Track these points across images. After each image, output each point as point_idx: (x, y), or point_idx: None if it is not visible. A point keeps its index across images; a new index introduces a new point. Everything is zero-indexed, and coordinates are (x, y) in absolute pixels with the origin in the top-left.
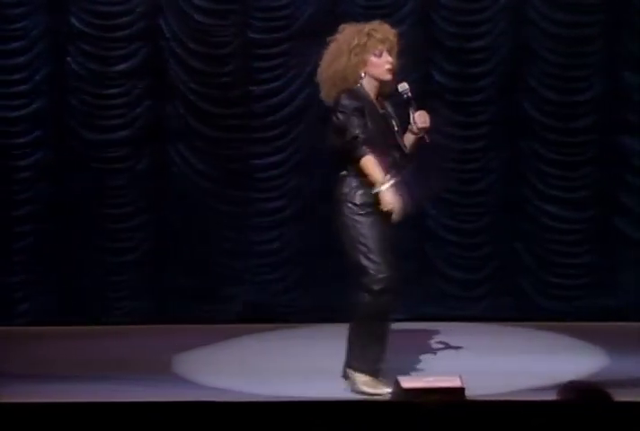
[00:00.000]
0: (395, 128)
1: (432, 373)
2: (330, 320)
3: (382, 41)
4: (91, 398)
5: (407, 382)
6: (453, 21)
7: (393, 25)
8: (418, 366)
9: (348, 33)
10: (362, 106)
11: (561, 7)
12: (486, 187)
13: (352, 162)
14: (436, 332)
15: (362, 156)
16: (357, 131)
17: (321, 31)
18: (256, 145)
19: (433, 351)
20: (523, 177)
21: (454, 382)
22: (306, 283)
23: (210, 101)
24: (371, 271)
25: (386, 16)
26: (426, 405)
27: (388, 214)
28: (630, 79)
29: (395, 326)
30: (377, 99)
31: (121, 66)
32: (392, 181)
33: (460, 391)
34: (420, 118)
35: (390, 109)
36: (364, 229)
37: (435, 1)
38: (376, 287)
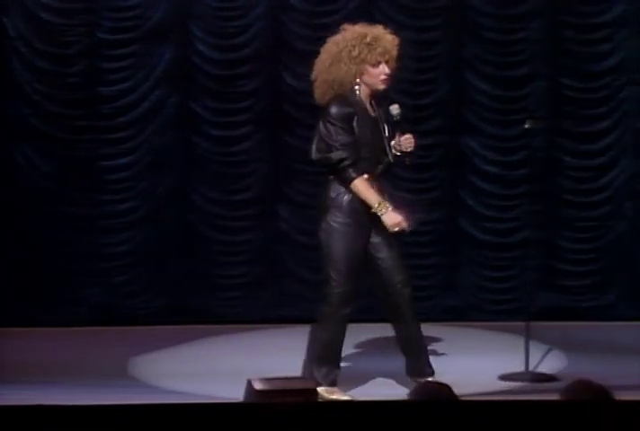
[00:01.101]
0: (386, 134)
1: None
2: (182, 322)
3: (382, 54)
4: None
5: (260, 384)
6: (304, 24)
7: (245, 27)
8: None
9: (349, 39)
10: (352, 112)
11: (405, 11)
12: None
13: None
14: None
15: (352, 180)
16: (344, 154)
17: (171, 33)
18: (105, 147)
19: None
20: None
21: (307, 384)
22: (158, 285)
23: (57, 102)
24: (333, 283)
25: (238, 18)
26: (279, 406)
27: (370, 224)
28: (471, 81)
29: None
30: (370, 103)
31: None
32: (389, 205)
33: (313, 392)
34: (406, 142)
35: (382, 114)
36: (340, 239)
37: (286, 3)
38: (333, 300)
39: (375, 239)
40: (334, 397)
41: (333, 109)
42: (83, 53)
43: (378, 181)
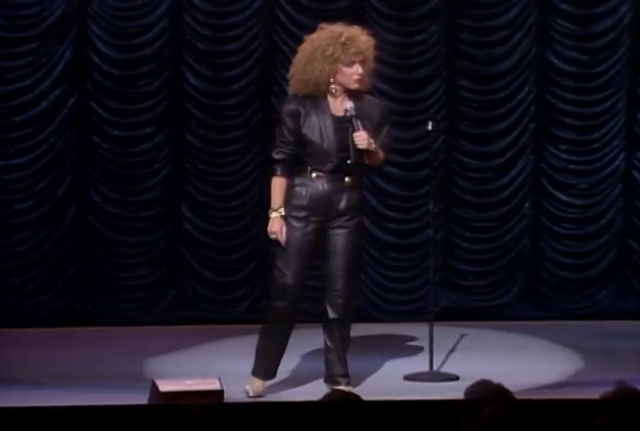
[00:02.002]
0: (352, 132)
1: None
2: (82, 323)
3: (355, 54)
4: None
5: (165, 386)
6: (206, 24)
7: (146, 27)
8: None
9: (324, 38)
10: (298, 110)
11: (305, 12)
12: (241, 190)
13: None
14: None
15: (273, 176)
16: (275, 151)
17: (71, 32)
18: (1, 146)
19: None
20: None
21: (213, 385)
22: (57, 286)
23: None
24: (276, 277)
25: (139, 17)
26: (184, 408)
27: (314, 220)
28: (372, 82)
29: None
30: (343, 102)
31: None
32: (282, 211)
33: (219, 393)
34: (358, 139)
35: (353, 112)
36: (290, 231)
37: (188, 3)
38: (274, 294)
39: (330, 242)
40: (248, 388)
41: (285, 105)
42: None
43: (331, 179)
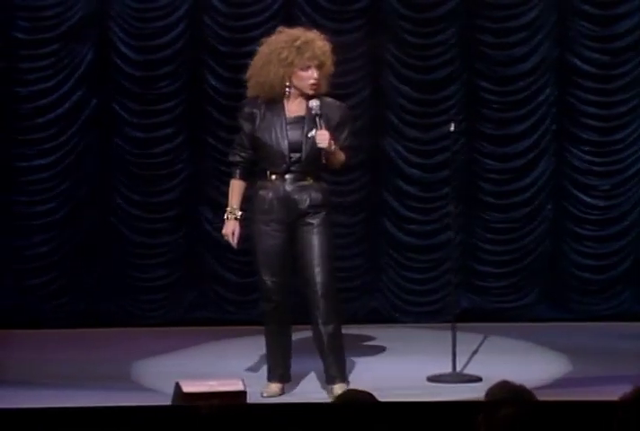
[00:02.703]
0: (307, 134)
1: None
2: (102, 325)
3: (309, 58)
4: None
5: (189, 387)
6: (225, 25)
7: (166, 29)
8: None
9: (280, 42)
10: (253, 113)
11: (326, 13)
12: None
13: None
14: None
15: (231, 179)
16: (231, 154)
17: (92, 33)
18: (22, 147)
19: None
20: None
21: (236, 386)
22: (77, 287)
23: None
24: (259, 282)
25: (159, 19)
26: (206, 409)
27: (280, 222)
28: (392, 83)
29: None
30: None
31: None
32: (237, 214)
33: (242, 394)
34: (319, 138)
35: (318, 111)
36: (256, 237)
37: (208, 4)
38: (261, 297)
39: (299, 242)
40: (265, 393)
41: (242, 108)
42: None
43: (290, 180)
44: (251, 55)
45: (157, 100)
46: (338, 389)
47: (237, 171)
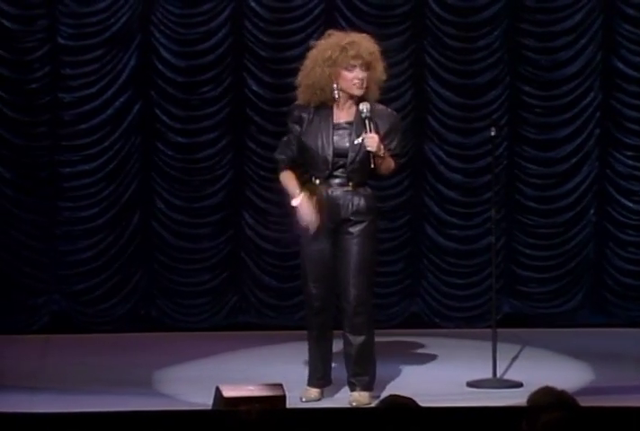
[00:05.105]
0: (355, 140)
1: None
2: (144, 329)
3: (354, 57)
4: None
5: (229, 391)
6: (267, 31)
7: (208, 34)
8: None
9: (327, 44)
10: (300, 117)
11: (368, 18)
12: None
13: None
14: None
15: (280, 172)
16: (281, 156)
17: (135, 39)
18: (66, 153)
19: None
20: None
21: (276, 391)
22: (120, 292)
23: (17, 108)
24: (302, 286)
25: (202, 24)
26: (246, 414)
27: (323, 227)
28: (434, 88)
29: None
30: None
31: None
32: (302, 197)
33: (282, 399)
34: (369, 141)
35: (368, 114)
36: (302, 241)
37: (250, 10)
38: (306, 302)
39: (339, 249)
40: (304, 398)
41: (290, 112)
42: (43, 59)
43: (334, 185)
44: (292, 60)
45: (199, 105)
46: (357, 396)
47: (283, 165)
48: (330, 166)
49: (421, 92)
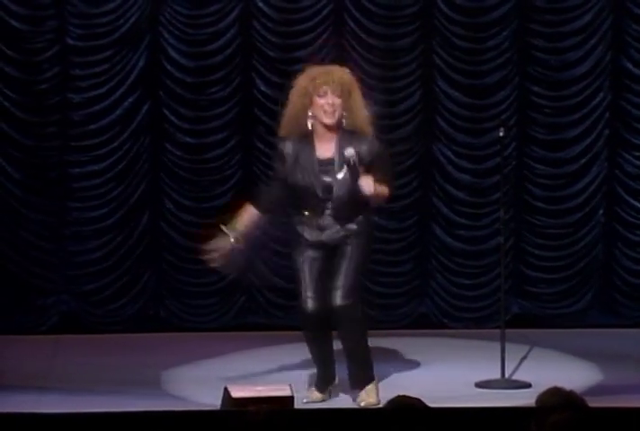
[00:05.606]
0: (337, 173)
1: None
2: (153, 329)
3: (324, 83)
4: None
5: (237, 392)
6: (275, 31)
7: (217, 35)
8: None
9: (302, 77)
10: (283, 154)
11: (376, 18)
12: None
13: None
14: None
15: (252, 205)
16: (264, 189)
17: (144, 40)
18: (75, 154)
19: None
20: None
21: (284, 391)
22: (129, 292)
23: (26, 109)
24: (300, 298)
25: (211, 24)
26: (253, 414)
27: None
28: (443, 88)
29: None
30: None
31: None
32: (229, 234)
33: (290, 400)
34: (364, 187)
35: (355, 159)
36: (295, 256)
37: (258, 10)
38: (301, 311)
39: (334, 261)
40: (305, 399)
41: (276, 147)
42: (52, 60)
43: (323, 217)
44: (301, 60)
45: (208, 105)
46: (364, 395)
47: (261, 203)
48: (318, 201)
49: (429, 93)
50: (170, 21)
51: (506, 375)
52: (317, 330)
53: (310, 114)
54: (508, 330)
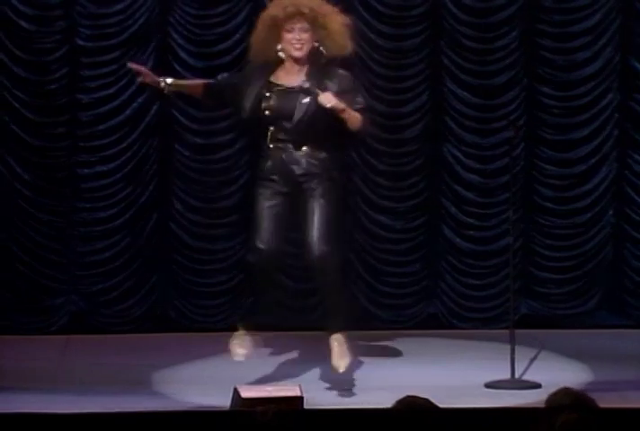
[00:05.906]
0: (301, 101)
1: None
2: (161, 330)
3: (292, 15)
4: None
5: (247, 392)
6: None
7: (226, 35)
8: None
9: (271, 6)
10: (248, 75)
11: (384, 19)
12: None
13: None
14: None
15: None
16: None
17: (153, 40)
18: (84, 154)
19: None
20: (355, 187)
21: (293, 392)
22: (138, 293)
23: (35, 109)
24: (252, 240)
25: (220, 25)
26: (262, 414)
27: (276, 188)
28: (451, 88)
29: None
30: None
31: None
32: (167, 80)
33: (299, 400)
34: (323, 100)
35: (306, 85)
36: (255, 197)
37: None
38: (250, 256)
39: (299, 212)
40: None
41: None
42: (61, 60)
43: (286, 148)
44: None
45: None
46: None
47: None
48: (284, 126)
49: (438, 93)
50: (179, 21)
51: (516, 376)
52: (262, 275)
53: (279, 47)
54: (517, 331)
